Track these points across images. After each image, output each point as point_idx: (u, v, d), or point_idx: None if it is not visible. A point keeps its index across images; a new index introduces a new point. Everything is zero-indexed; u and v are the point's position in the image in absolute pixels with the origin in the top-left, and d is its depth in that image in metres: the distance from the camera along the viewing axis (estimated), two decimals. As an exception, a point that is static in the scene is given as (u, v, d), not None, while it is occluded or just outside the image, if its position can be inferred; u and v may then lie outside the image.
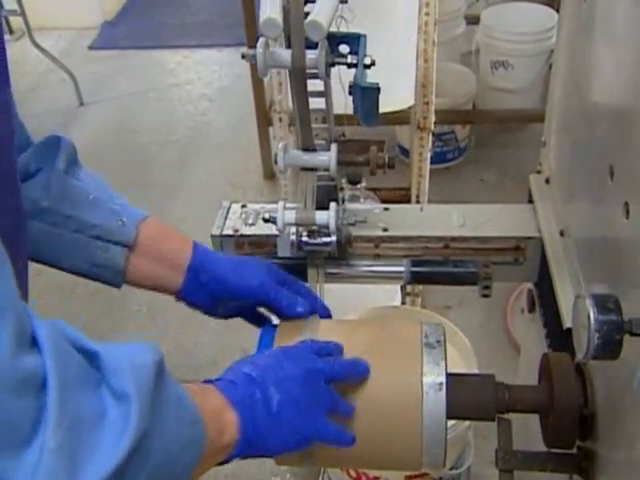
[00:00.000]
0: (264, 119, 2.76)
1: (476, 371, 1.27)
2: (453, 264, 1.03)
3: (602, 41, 0.83)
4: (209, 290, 0.88)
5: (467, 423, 1.37)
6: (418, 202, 1.98)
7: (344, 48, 0.83)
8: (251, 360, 0.75)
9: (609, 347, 0.60)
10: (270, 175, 2.97)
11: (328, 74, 0.81)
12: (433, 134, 1.94)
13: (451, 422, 1.29)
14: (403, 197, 2.18)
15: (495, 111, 2.99)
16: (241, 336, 2.28)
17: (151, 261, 0.87)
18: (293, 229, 0.94)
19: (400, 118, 2.18)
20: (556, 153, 1.08)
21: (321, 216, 0.90)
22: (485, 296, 1.02)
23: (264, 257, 1.01)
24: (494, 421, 0.85)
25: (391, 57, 1.68)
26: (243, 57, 0.79)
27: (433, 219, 1.09)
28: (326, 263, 1.01)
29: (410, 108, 1.98)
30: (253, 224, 1.10)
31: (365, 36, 0.84)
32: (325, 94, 0.87)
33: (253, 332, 0.90)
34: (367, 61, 0.82)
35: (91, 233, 0.84)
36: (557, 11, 1.04)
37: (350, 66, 0.82)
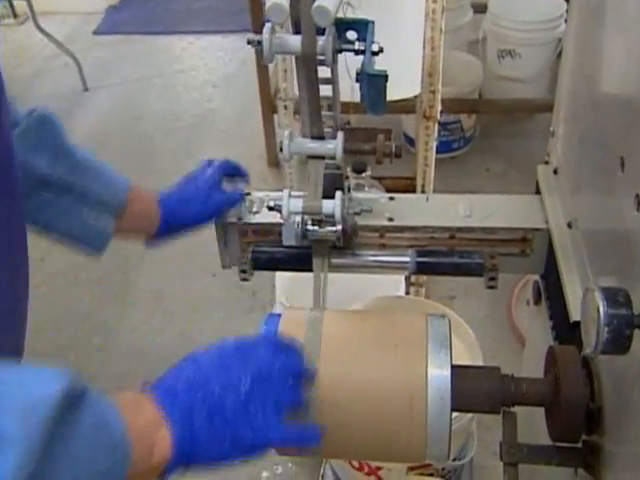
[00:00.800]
0: (269, 106, 2.75)
1: (481, 363, 1.26)
2: (459, 255, 1.02)
3: (612, 30, 0.82)
4: (172, 234, 1.03)
5: (470, 414, 1.37)
6: (423, 192, 1.97)
7: (351, 34, 0.81)
8: (196, 358, 0.70)
9: (619, 342, 0.59)
10: (274, 162, 2.96)
11: (335, 61, 0.79)
12: (439, 123, 1.92)
13: (455, 413, 1.29)
14: (408, 186, 2.17)
15: (501, 100, 2.97)
16: (245, 323, 2.28)
17: (126, 223, 0.97)
18: (298, 218, 0.93)
19: (406, 107, 2.17)
20: (564, 144, 1.06)
21: (327, 205, 0.89)
22: (491, 287, 1.01)
23: (269, 245, 1.05)
24: (499, 414, 0.84)
25: (398, 45, 1.66)
26: (249, 43, 0.77)
27: (439, 209, 1.07)
28: (331, 252, 1.00)
29: (416, 97, 1.96)
30: (257, 212, 1.09)
31: (373, 22, 0.83)
32: (332, 81, 0.86)
33: (258, 320, 0.90)
34: (375, 48, 0.80)
35: (89, 202, 0.92)
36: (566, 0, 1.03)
37: (358, 53, 0.80)
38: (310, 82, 0.80)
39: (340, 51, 0.79)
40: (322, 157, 0.90)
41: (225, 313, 2.35)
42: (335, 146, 0.88)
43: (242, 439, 0.65)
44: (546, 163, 1.13)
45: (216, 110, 3.46)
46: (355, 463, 1.39)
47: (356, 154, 1.03)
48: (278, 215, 0.91)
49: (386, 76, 0.78)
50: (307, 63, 0.77)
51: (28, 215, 0.86)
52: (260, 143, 2.98)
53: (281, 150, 0.89)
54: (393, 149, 1.04)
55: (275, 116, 2.71)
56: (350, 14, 0.83)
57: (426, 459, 0.83)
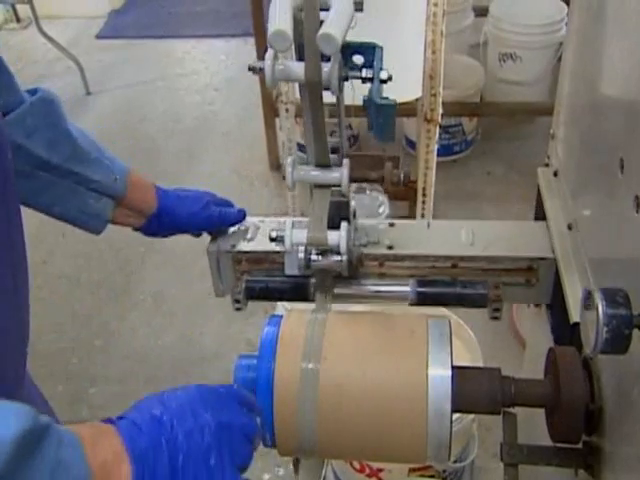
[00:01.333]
0: (270, 110, 2.76)
1: (481, 364, 1.26)
2: (461, 285, 0.98)
3: (613, 33, 0.82)
4: (166, 228, 1.03)
5: (472, 416, 1.37)
6: (424, 195, 1.98)
7: (358, 58, 0.78)
8: (162, 399, 0.67)
9: (618, 342, 0.59)
10: (276, 165, 2.97)
11: (341, 89, 0.77)
12: (440, 126, 1.93)
13: (456, 415, 1.29)
14: (409, 190, 2.18)
15: (503, 103, 2.98)
16: (246, 327, 2.29)
17: (123, 208, 1.00)
18: (302, 247, 0.89)
19: (407, 110, 2.17)
20: (565, 146, 1.07)
21: (332, 237, 0.85)
22: (495, 318, 0.97)
23: (263, 274, 1.02)
24: (500, 414, 0.84)
25: (399, 48, 1.67)
26: (250, 70, 0.74)
27: (441, 236, 1.03)
28: (333, 282, 0.96)
29: (417, 100, 1.97)
30: (252, 239, 1.05)
31: (381, 48, 0.79)
32: (337, 108, 0.82)
33: (258, 323, 0.90)
34: (384, 76, 0.76)
35: (90, 186, 0.94)
36: (567, 3, 1.03)
37: (365, 80, 0.77)
38: (315, 109, 0.77)
39: (346, 79, 0.76)
40: (327, 186, 0.86)
41: (225, 316, 2.35)
42: (341, 174, 0.84)
43: None
44: (546, 165, 1.13)
45: (218, 113, 3.47)
46: (356, 465, 1.39)
47: (363, 182, 1.01)
48: (274, 242, 0.87)
49: (395, 105, 0.75)
50: (312, 91, 0.74)
51: (28, 196, 0.88)
52: (262, 146, 2.98)
53: (284, 178, 0.86)
54: (401, 177, 1.00)
55: (277, 119, 2.72)
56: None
57: (427, 460, 0.83)
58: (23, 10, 4.03)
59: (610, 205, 0.78)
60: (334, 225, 0.86)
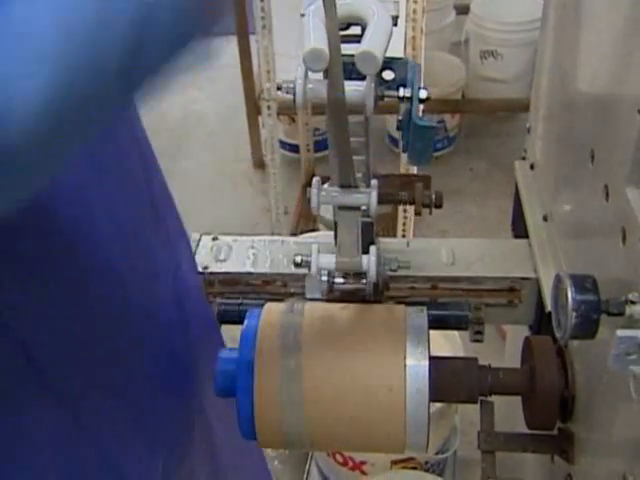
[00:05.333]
0: (253, 108, 2.76)
1: (462, 355, 1.28)
2: (442, 307, 0.96)
3: (584, 29, 0.84)
4: None
5: (454, 408, 1.39)
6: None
7: (388, 74, 0.72)
8: None
9: (587, 326, 0.61)
10: (260, 164, 2.97)
11: (376, 108, 0.70)
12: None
13: (438, 405, 1.30)
14: (392, 186, 2.19)
15: (484, 100, 3.00)
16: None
17: None
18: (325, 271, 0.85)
19: (389, 107, 2.19)
20: (541, 139, 1.08)
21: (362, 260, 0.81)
22: (477, 341, 0.95)
23: (237, 296, 0.96)
24: (477, 403, 0.86)
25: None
26: (279, 89, 0.68)
27: (420, 256, 1.00)
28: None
29: (399, 96, 1.98)
30: (225, 260, 1.00)
31: (419, 65, 0.73)
32: (365, 126, 0.76)
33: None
34: (423, 95, 0.70)
35: None
36: None
37: (402, 100, 0.70)
38: (341, 128, 0.69)
39: (382, 98, 0.70)
40: (355, 208, 0.81)
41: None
42: (368, 196, 0.78)
43: None
44: (523, 159, 1.15)
45: (201, 112, 3.47)
46: (339, 458, 1.40)
47: (391, 203, 0.93)
48: (247, 263, 0.84)
49: (435, 127, 0.70)
50: (338, 110, 0.67)
51: None
52: (245, 145, 2.99)
53: (309, 201, 0.79)
54: (433, 199, 0.94)
55: (260, 117, 2.73)
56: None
57: (406, 449, 0.84)
58: None
59: (582, 195, 0.80)
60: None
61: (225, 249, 1.01)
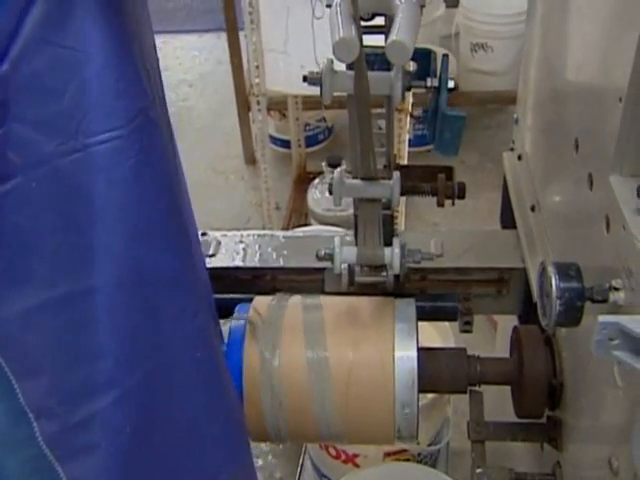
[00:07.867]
0: (244, 104, 2.75)
1: (453, 346, 1.28)
2: (431, 298, 0.96)
3: (571, 20, 0.84)
4: None
5: (445, 399, 1.39)
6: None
7: (410, 65, 0.71)
8: None
9: (571, 314, 0.61)
10: (251, 160, 2.97)
11: (404, 99, 0.70)
12: (411, 116, 1.94)
13: (430, 396, 1.31)
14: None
15: (475, 93, 3.00)
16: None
17: None
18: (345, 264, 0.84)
19: (378, 100, 2.19)
20: (528, 130, 1.09)
21: (385, 253, 0.81)
22: (466, 331, 0.95)
23: (225, 291, 0.93)
24: (466, 393, 0.86)
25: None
26: (305, 80, 0.67)
27: (409, 247, 0.95)
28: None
29: (388, 90, 1.98)
30: (213, 255, 1.00)
31: (447, 55, 0.73)
32: (387, 117, 0.76)
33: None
34: (451, 84, 0.70)
35: None
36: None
37: (430, 89, 0.70)
38: (365, 120, 0.68)
39: (409, 88, 0.68)
40: (376, 200, 0.80)
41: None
42: (391, 188, 0.77)
43: None
44: (511, 150, 1.15)
45: (192, 109, 3.46)
46: (332, 452, 1.40)
47: (414, 195, 0.91)
48: (237, 257, 0.83)
49: (465, 117, 0.70)
50: (362, 101, 0.66)
51: None
52: (236, 141, 2.98)
53: (330, 193, 0.78)
54: (456, 190, 0.93)
55: (250, 113, 2.73)
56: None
57: (396, 440, 0.84)
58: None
59: (567, 184, 0.80)
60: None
61: (214, 244, 1.01)
